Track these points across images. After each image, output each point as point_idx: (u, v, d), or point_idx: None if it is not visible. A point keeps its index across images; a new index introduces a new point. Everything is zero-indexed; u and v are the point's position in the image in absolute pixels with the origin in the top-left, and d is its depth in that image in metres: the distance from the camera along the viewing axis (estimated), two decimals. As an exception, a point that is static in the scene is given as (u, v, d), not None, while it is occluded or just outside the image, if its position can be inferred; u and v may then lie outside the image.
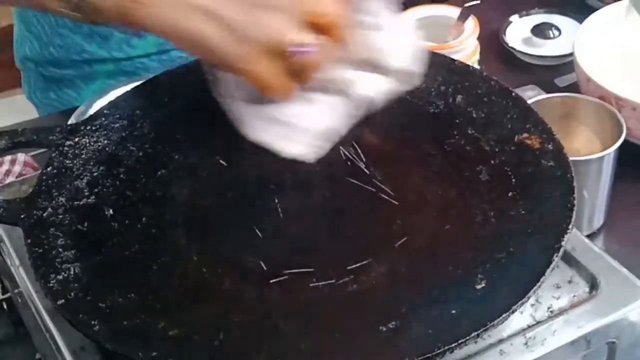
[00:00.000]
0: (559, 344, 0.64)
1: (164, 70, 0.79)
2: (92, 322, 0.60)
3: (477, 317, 0.59)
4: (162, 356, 0.58)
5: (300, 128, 0.72)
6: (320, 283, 0.65)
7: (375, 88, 0.74)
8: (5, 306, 0.86)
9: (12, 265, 0.74)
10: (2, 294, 0.86)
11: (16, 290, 0.76)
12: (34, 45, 1.16)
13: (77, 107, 1.00)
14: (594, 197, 0.91)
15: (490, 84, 0.78)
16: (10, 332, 0.86)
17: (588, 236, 0.85)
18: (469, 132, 0.76)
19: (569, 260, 0.69)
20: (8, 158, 0.97)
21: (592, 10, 1.12)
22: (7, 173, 0.96)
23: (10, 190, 0.79)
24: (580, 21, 1.20)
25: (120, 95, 0.80)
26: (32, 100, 1.24)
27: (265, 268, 0.66)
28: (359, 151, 0.76)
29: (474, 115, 0.77)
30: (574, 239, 0.70)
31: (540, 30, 1.19)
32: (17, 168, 0.97)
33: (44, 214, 0.68)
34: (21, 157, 0.98)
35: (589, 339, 0.65)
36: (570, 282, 0.69)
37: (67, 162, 0.73)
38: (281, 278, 0.65)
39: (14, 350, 0.85)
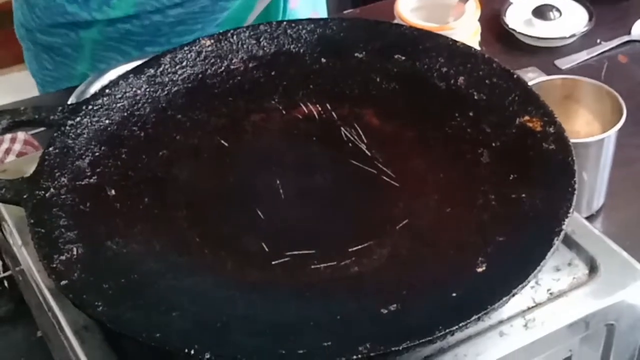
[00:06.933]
0: (558, 325, 0.65)
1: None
2: (96, 303, 0.60)
3: (477, 300, 0.60)
4: (165, 337, 0.58)
5: None
6: (322, 265, 0.65)
7: None
8: (6, 284, 0.87)
9: (14, 244, 0.74)
10: (3, 272, 0.87)
11: (17, 268, 0.77)
12: (24, 8, 1.17)
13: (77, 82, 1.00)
14: (593, 179, 0.91)
15: (492, 66, 0.78)
16: (11, 309, 0.86)
17: (587, 218, 0.85)
18: (470, 114, 0.76)
19: (569, 242, 0.70)
20: (8, 136, 0.97)
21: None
22: (7, 151, 0.96)
23: (12, 170, 0.78)
24: (581, 2, 1.20)
25: (121, 75, 0.80)
26: (31, 72, 1.24)
27: (267, 250, 0.66)
28: (361, 132, 0.76)
29: (476, 97, 0.77)
30: (574, 222, 0.70)
31: (541, 12, 1.19)
32: (17, 146, 0.97)
33: (47, 194, 0.68)
34: (21, 135, 0.98)
35: (588, 321, 0.66)
36: (569, 264, 0.69)
37: (69, 142, 0.73)
38: (283, 260, 0.65)
39: (15, 328, 0.85)
